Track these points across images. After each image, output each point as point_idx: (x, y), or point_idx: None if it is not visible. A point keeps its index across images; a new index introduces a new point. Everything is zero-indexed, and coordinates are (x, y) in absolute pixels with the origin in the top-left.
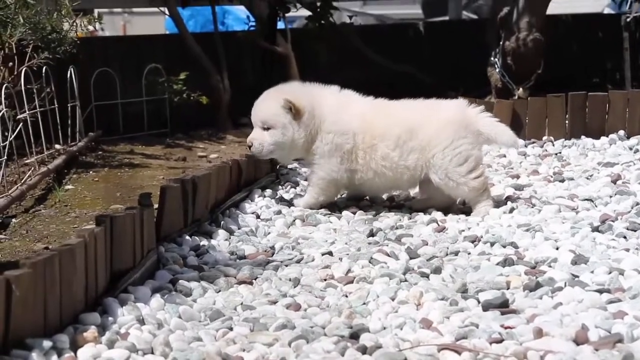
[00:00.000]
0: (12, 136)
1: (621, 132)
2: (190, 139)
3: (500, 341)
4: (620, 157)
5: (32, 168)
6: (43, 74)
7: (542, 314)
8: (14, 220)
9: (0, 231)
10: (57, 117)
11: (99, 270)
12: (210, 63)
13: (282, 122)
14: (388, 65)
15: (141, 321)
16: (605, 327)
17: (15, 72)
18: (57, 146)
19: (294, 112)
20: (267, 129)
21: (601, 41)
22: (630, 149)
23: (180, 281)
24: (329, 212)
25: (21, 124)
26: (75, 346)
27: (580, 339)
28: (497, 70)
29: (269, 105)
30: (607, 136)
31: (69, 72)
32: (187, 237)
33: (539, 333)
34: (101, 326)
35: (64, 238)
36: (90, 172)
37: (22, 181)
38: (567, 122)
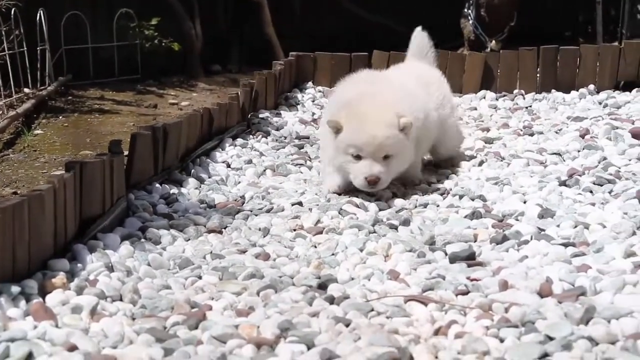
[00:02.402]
0: None
1: (591, 87)
2: (162, 85)
3: (466, 293)
4: (590, 112)
5: (1, 112)
6: (12, 16)
7: (508, 266)
8: None
9: None
10: (26, 61)
11: (68, 217)
12: (182, 9)
13: (403, 146)
14: (362, 15)
15: (110, 268)
16: (569, 280)
17: None
18: (26, 90)
19: (408, 130)
20: (387, 157)
21: None
22: (600, 103)
23: (149, 229)
24: (300, 163)
25: None
26: (43, 292)
27: (544, 292)
28: (470, 22)
29: (389, 133)
30: (577, 90)
31: (38, 14)
32: (157, 185)
33: (504, 285)
34: (70, 272)
35: (33, 183)
36: (60, 117)
37: None
38: (538, 75)
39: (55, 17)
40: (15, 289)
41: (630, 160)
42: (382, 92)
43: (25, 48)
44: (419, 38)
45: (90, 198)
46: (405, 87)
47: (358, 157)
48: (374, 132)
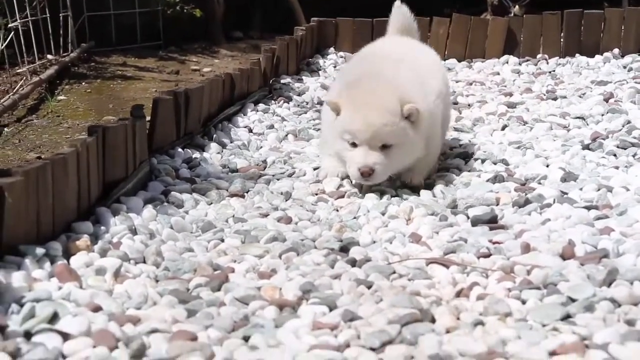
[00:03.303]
0: (4, 45)
1: (616, 51)
2: (184, 52)
3: (488, 256)
4: (614, 76)
5: (24, 77)
6: None
7: (530, 229)
8: (6, 129)
9: None
10: (49, 27)
11: (92, 180)
12: None
13: (406, 135)
14: None
15: (133, 231)
16: (591, 242)
17: None
18: (49, 56)
19: (416, 119)
20: (385, 147)
21: None
22: (624, 67)
23: (172, 193)
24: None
25: (12, 32)
26: (67, 254)
27: (566, 254)
28: None
29: (388, 120)
30: (602, 54)
31: None
32: (180, 150)
33: (527, 248)
34: (94, 235)
35: (57, 148)
36: (83, 83)
37: (14, 90)
38: (562, 40)
39: None
40: (40, 250)
41: None
42: (388, 72)
43: (47, 15)
44: (401, 12)
45: (113, 162)
46: (422, 67)
47: (354, 145)
48: (370, 118)
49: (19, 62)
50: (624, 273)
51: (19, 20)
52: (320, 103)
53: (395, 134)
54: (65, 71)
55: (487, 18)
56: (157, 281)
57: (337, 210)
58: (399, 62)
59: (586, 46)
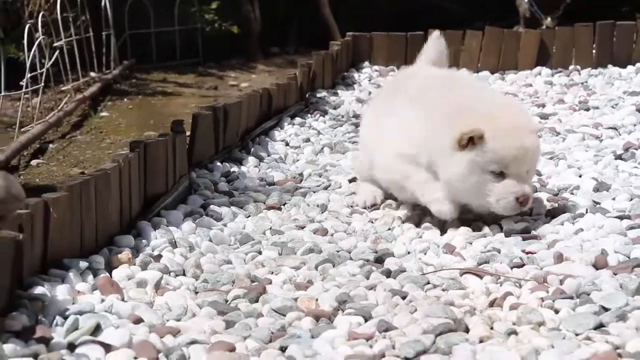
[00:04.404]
0: (49, 63)
1: None
2: (222, 68)
3: (521, 266)
4: None
5: (69, 95)
6: (78, 3)
7: (563, 239)
8: (51, 145)
9: (38, 156)
10: (92, 46)
11: (133, 195)
12: None
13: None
14: None
15: (173, 244)
16: (624, 252)
17: (52, 1)
18: (92, 74)
19: None
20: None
21: None
22: None
23: (211, 206)
24: (357, 141)
25: (57, 51)
26: (110, 267)
27: (599, 264)
28: (526, 0)
29: (538, 142)
30: (634, 65)
31: (103, 1)
32: (218, 164)
33: (560, 258)
34: (135, 248)
35: (99, 163)
36: (125, 99)
37: (59, 108)
38: (594, 51)
39: (120, 3)
40: (83, 264)
41: None
42: (497, 95)
43: (91, 33)
44: (439, 43)
45: (154, 176)
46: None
47: (500, 175)
48: (526, 142)
49: (63, 80)
50: None
51: (63, 40)
52: (356, 116)
53: (539, 157)
54: (107, 88)
55: (519, 30)
56: (196, 293)
57: (372, 222)
58: (486, 86)
59: (618, 57)
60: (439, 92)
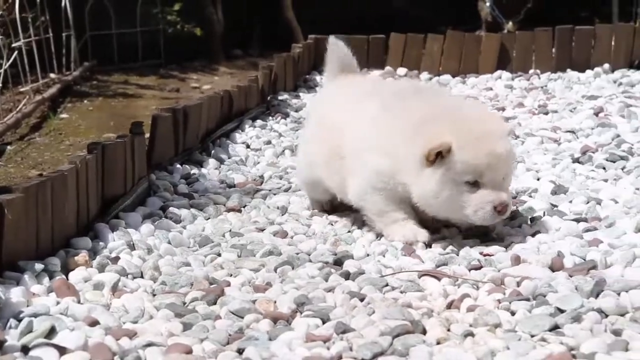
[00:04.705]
0: (7, 64)
1: (606, 66)
2: (184, 70)
3: (479, 268)
4: (604, 90)
5: (27, 96)
6: (38, 3)
7: (521, 242)
8: (9, 147)
9: None
10: (52, 47)
11: (91, 196)
12: None
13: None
14: None
15: (131, 246)
16: (580, 254)
17: (10, 1)
18: (52, 75)
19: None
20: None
21: None
22: (614, 82)
23: (170, 208)
24: None
25: (16, 52)
26: (66, 269)
27: (556, 266)
28: (487, 4)
29: (510, 147)
30: (592, 69)
31: (63, 1)
32: (178, 166)
33: (517, 260)
34: (92, 250)
35: (58, 165)
36: (85, 101)
37: (18, 109)
38: (553, 55)
39: (80, 4)
40: (38, 266)
41: None
42: (458, 101)
43: (50, 34)
44: (339, 47)
45: (112, 178)
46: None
47: (474, 185)
48: (498, 149)
49: (22, 81)
50: (611, 284)
51: (22, 40)
52: None
53: (513, 161)
54: (67, 90)
55: (480, 34)
56: (154, 295)
57: (332, 225)
58: (440, 93)
59: (577, 61)
60: (397, 106)
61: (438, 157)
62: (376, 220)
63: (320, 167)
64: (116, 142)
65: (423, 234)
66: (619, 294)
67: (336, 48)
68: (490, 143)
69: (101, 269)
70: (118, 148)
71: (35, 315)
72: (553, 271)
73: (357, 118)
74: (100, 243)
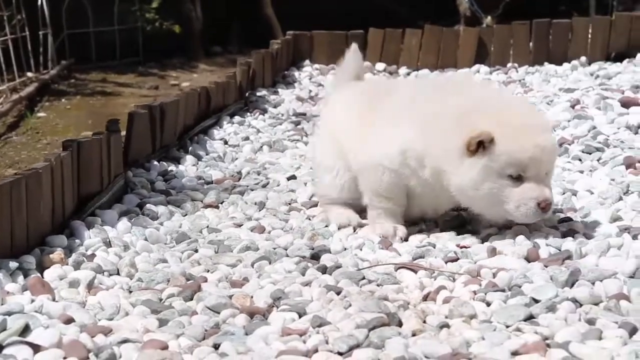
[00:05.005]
0: None
1: (583, 59)
2: (163, 67)
3: (455, 260)
4: (581, 83)
5: (4, 95)
6: (13, 2)
7: (497, 234)
8: None
9: None
10: (29, 45)
11: (66, 194)
12: None
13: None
14: None
15: (107, 243)
16: (555, 245)
17: None
18: (29, 74)
19: None
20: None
21: None
22: (591, 74)
23: (147, 205)
24: (297, 139)
25: None
26: (41, 267)
27: (531, 257)
28: None
29: (555, 142)
30: (570, 62)
31: (39, 1)
32: (155, 163)
33: (493, 252)
34: (68, 248)
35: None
36: (63, 99)
37: None
38: (531, 49)
39: (57, 2)
40: (13, 264)
41: (618, 128)
42: (500, 94)
43: (27, 33)
44: (358, 56)
45: (88, 176)
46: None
47: (518, 179)
48: (543, 142)
49: None
50: (585, 274)
51: None
52: (296, 115)
53: (556, 157)
54: (45, 88)
55: (459, 29)
56: (130, 292)
57: (310, 219)
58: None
59: (554, 55)
60: (437, 96)
61: (480, 147)
62: (366, 197)
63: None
64: (92, 140)
65: (402, 231)
66: (593, 284)
67: (356, 56)
68: (536, 136)
69: (77, 266)
70: (94, 145)
71: (9, 314)
72: (529, 262)
73: (391, 108)
74: (76, 241)
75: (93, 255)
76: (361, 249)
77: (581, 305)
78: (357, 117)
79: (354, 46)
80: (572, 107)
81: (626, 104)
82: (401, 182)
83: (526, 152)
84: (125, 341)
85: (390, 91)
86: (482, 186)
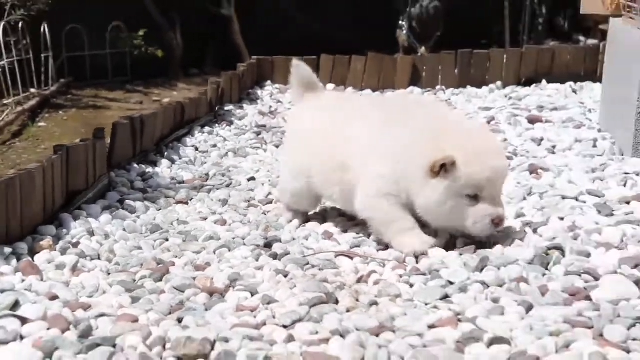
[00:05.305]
0: None
1: (499, 83)
2: (148, 86)
3: (386, 249)
4: (496, 103)
5: (10, 108)
6: (20, 29)
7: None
8: None
9: None
10: (32, 66)
11: (56, 191)
12: (165, 22)
13: None
14: (315, 26)
15: (91, 233)
16: (469, 237)
17: None
18: (32, 90)
19: None
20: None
21: (489, 9)
22: (505, 96)
23: (127, 201)
24: (257, 147)
25: (0, 70)
26: (33, 252)
27: (449, 247)
28: (405, 32)
29: (507, 163)
30: (488, 86)
31: (42, 27)
32: (136, 165)
33: None
34: (56, 237)
35: None
36: (60, 112)
37: (1, 118)
38: (456, 74)
39: (58, 29)
40: (7, 249)
41: (525, 140)
42: (452, 116)
43: (31, 55)
44: (302, 68)
45: (75, 175)
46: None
47: (474, 199)
48: (498, 163)
49: (5, 95)
50: (493, 260)
51: (5, 60)
52: (258, 126)
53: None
54: (45, 102)
55: (397, 57)
56: (108, 274)
57: (265, 214)
58: (427, 107)
59: (475, 79)
60: (403, 118)
61: (442, 169)
62: (383, 231)
63: (315, 179)
64: (79, 145)
65: (430, 242)
66: (499, 269)
67: (299, 69)
68: (492, 159)
69: (63, 252)
70: (81, 150)
71: (2, 291)
72: (447, 251)
73: (363, 131)
74: (64, 230)
75: (78, 243)
76: (307, 239)
77: (488, 286)
78: (322, 138)
79: (295, 60)
80: (488, 122)
81: (532, 120)
82: (401, 200)
83: (484, 175)
84: (102, 315)
85: (362, 116)
86: (444, 205)
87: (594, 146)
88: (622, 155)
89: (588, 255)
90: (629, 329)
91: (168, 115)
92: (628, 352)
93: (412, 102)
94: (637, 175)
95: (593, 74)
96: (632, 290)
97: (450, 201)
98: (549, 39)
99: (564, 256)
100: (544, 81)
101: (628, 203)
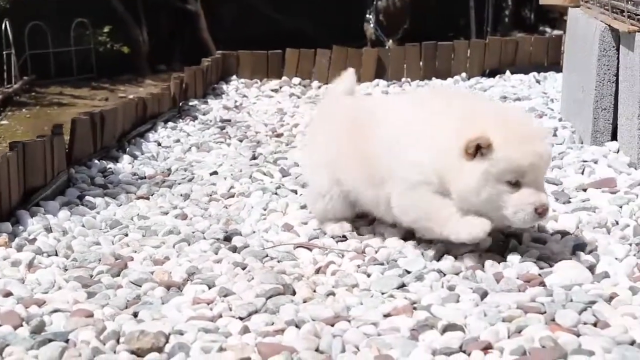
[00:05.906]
0: None
1: (463, 74)
2: (114, 82)
3: (345, 240)
4: None
5: None
6: None
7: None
8: None
9: None
10: None
11: (12, 188)
12: (131, 18)
13: None
14: (283, 20)
15: (48, 229)
16: None
17: None
18: None
19: None
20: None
21: (455, 2)
22: (470, 87)
23: (86, 197)
24: (221, 141)
25: None
26: None
27: (407, 237)
28: (372, 25)
29: (550, 149)
30: (453, 77)
31: (3, 24)
32: (96, 161)
33: (379, 233)
34: (12, 234)
35: None
36: (24, 110)
37: None
38: (421, 66)
39: (20, 26)
40: None
41: None
42: (495, 104)
43: None
44: (352, 76)
45: (32, 172)
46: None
47: (516, 185)
48: (540, 148)
49: None
50: (450, 249)
51: None
52: (222, 121)
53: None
54: (8, 100)
55: (361, 49)
56: (65, 270)
57: (227, 208)
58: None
59: (440, 71)
60: (439, 106)
61: (478, 151)
62: (429, 226)
63: (351, 182)
64: (36, 141)
65: (487, 224)
66: (456, 258)
67: (351, 76)
68: (534, 143)
69: (19, 249)
70: (38, 146)
71: None
72: (405, 241)
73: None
74: (20, 227)
75: (34, 240)
76: (267, 232)
77: (445, 275)
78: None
79: (350, 69)
80: None
81: None
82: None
83: (525, 159)
84: (56, 311)
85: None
86: (481, 191)
87: (554, 135)
88: (582, 143)
89: (544, 242)
90: (580, 313)
91: (129, 111)
92: (578, 335)
93: (448, 91)
94: (595, 162)
95: (556, 65)
96: (585, 275)
97: (488, 187)
98: (515, 30)
99: (520, 244)
100: (507, 72)
101: (585, 190)
